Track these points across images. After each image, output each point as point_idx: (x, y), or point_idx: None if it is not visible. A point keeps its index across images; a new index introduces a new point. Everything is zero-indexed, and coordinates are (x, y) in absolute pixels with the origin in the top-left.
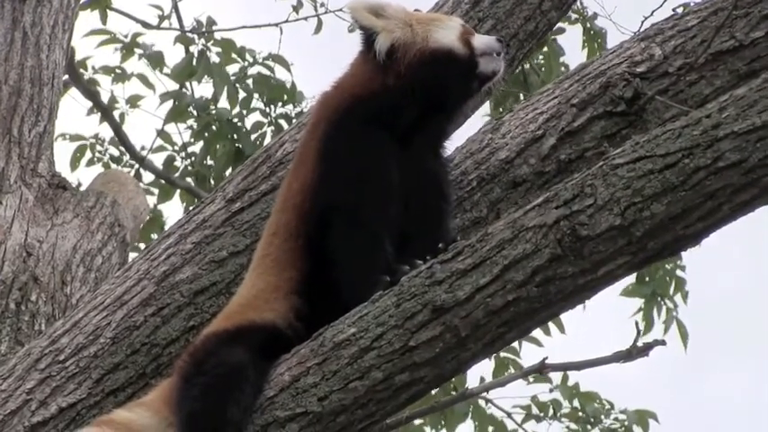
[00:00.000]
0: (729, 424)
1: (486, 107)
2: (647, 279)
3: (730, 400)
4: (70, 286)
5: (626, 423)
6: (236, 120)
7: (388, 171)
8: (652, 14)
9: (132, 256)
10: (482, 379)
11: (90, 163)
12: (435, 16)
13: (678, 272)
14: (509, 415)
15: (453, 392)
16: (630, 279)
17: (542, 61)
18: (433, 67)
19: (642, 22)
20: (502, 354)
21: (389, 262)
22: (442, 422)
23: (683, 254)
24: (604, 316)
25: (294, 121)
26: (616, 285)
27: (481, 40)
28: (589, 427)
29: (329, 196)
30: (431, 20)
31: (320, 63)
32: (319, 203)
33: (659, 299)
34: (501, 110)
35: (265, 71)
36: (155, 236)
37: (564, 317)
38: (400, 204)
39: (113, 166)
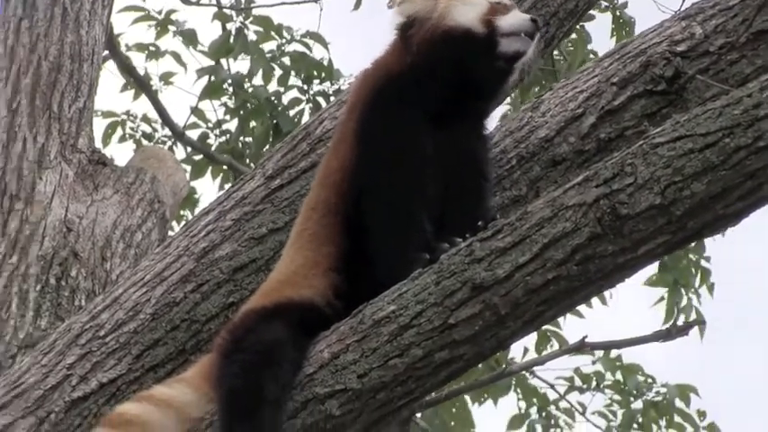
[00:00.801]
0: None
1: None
2: (670, 269)
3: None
4: (110, 262)
5: (667, 396)
6: (273, 98)
7: (423, 150)
8: None
9: (171, 232)
10: (525, 350)
11: (122, 139)
12: None
13: (703, 262)
14: (552, 386)
15: (495, 365)
16: (654, 268)
17: (570, 48)
18: (444, 46)
19: (683, 1)
20: (544, 326)
21: (429, 240)
22: (485, 395)
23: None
24: (628, 305)
25: (332, 98)
26: (639, 275)
27: (507, 20)
28: (632, 399)
29: (367, 176)
30: None
31: (358, 40)
32: (357, 182)
33: (681, 289)
34: (521, 101)
35: (302, 49)
36: (188, 212)
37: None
38: (439, 183)
39: (145, 142)
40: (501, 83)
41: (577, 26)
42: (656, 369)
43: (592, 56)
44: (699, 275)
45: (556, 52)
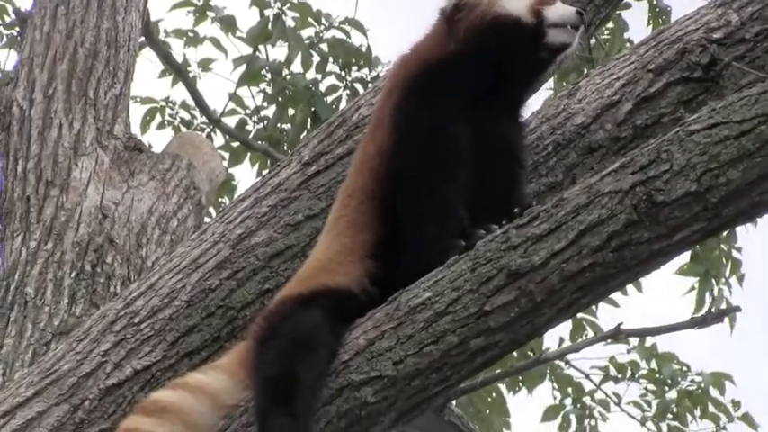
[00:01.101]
0: None
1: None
2: (701, 259)
3: None
4: (145, 248)
5: (702, 385)
6: (310, 86)
7: (460, 138)
8: None
9: (206, 219)
10: (561, 339)
11: (160, 126)
12: None
13: (734, 253)
14: (587, 376)
15: (531, 353)
16: (685, 258)
17: (608, 36)
18: (492, 34)
19: None
20: (579, 314)
21: (464, 227)
22: (520, 384)
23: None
24: (662, 294)
25: (370, 85)
26: (671, 264)
27: (555, 11)
28: (666, 388)
29: (403, 162)
30: None
31: (396, 27)
32: (394, 168)
33: (712, 279)
34: (564, 83)
35: (341, 35)
36: (225, 199)
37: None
38: (474, 170)
39: (183, 129)
40: (542, 72)
41: (614, 14)
42: (692, 357)
43: (628, 44)
44: (729, 266)
45: (593, 40)
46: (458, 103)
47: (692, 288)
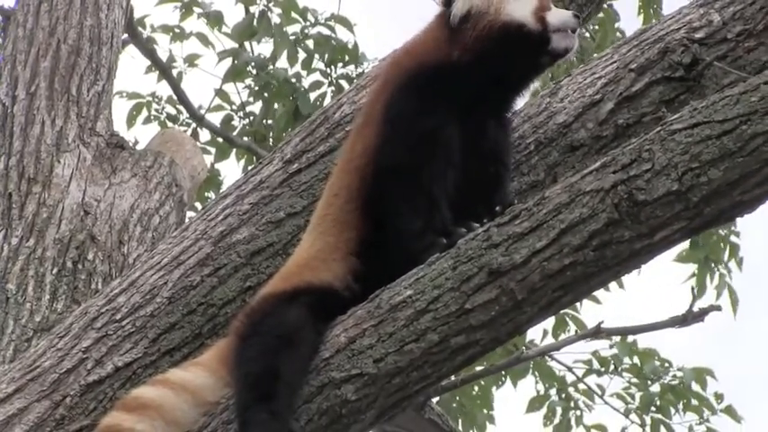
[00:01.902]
0: None
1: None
2: (700, 245)
3: None
4: (127, 245)
5: (684, 380)
6: (294, 80)
7: (448, 138)
8: None
9: (189, 215)
10: (544, 332)
11: (147, 121)
12: None
13: (732, 238)
14: (570, 369)
15: (513, 348)
16: (684, 245)
17: (598, 27)
18: (501, 42)
19: None
20: (562, 311)
21: (447, 225)
22: (504, 378)
23: (737, 219)
24: (658, 281)
25: (355, 81)
26: (670, 251)
27: (557, 16)
28: (649, 382)
29: (390, 159)
30: None
31: (381, 23)
32: (381, 165)
33: (712, 264)
34: (552, 77)
35: (326, 32)
36: (211, 195)
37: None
38: (460, 170)
39: (170, 124)
40: (539, 76)
41: (605, 5)
42: (685, 339)
43: (619, 34)
44: (728, 250)
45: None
46: (450, 106)
47: (693, 274)
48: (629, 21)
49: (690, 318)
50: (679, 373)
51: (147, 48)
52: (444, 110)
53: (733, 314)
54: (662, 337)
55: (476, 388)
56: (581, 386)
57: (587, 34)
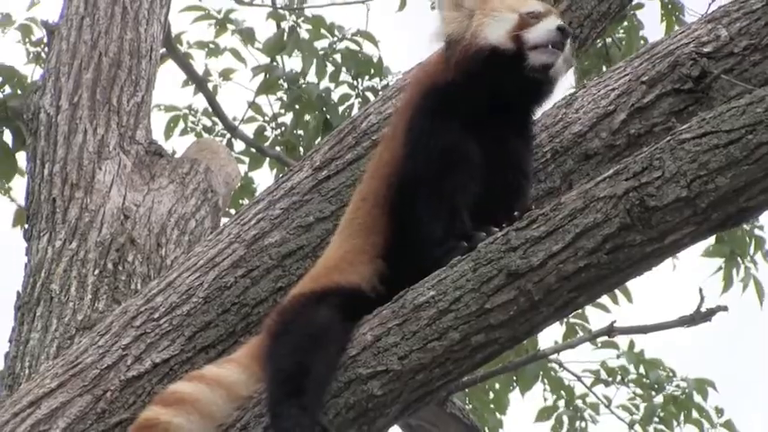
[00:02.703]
0: None
1: (570, 79)
2: (725, 239)
3: None
4: (165, 248)
5: (686, 390)
6: (323, 94)
7: (466, 152)
8: None
9: (224, 220)
10: (555, 342)
11: (183, 133)
12: (498, 5)
13: (757, 231)
14: (578, 378)
15: (526, 352)
16: (710, 240)
17: (623, 35)
18: (478, 65)
19: (710, 5)
20: (571, 319)
21: (467, 230)
22: (514, 384)
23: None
24: (686, 275)
25: (380, 93)
26: (697, 246)
27: (534, 33)
28: (653, 393)
29: (413, 171)
30: (491, 10)
31: (404, 38)
32: (404, 176)
33: (738, 258)
34: (586, 81)
35: (353, 46)
36: (245, 201)
37: (647, 277)
38: (480, 179)
39: (205, 135)
40: (537, 90)
41: (629, 14)
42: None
43: (643, 42)
44: (753, 244)
45: (609, 40)
46: (462, 123)
47: (720, 268)
48: (653, 28)
49: (698, 318)
50: (682, 384)
51: (184, 62)
52: (458, 126)
53: (759, 304)
54: (679, 334)
55: (491, 394)
56: (588, 398)
57: (609, 40)
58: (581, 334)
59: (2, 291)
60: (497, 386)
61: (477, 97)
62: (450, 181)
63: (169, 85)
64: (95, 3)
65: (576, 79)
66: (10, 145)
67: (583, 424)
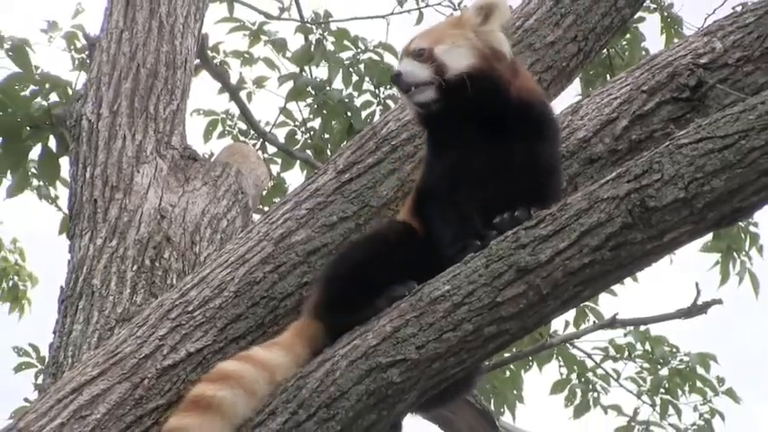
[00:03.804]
0: None
1: (577, 87)
2: (722, 236)
3: None
4: (198, 246)
5: (690, 364)
6: (346, 100)
7: (467, 164)
8: (714, 12)
9: (256, 217)
10: (567, 323)
11: (221, 135)
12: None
13: (752, 228)
14: (589, 356)
15: (539, 336)
16: (708, 237)
17: (626, 46)
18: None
19: (705, 19)
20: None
21: (479, 229)
22: (531, 362)
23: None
24: (687, 270)
25: (399, 101)
26: (695, 243)
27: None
28: (659, 366)
29: (426, 185)
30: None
31: None
32: (421, 189)
33: (734, 253)
34: (591, 89)
35: (375, 57)
36: (277, 200)
37: (648, 271)
38: (486, 186)
39: (241, 138)
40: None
41: (631, 27)
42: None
43: (644, 52)
44: (748, 240)
45: (612, 51)
46: (455, 140)
47: (717, 262)
48: (654, 39)
49: (694, 311)
50: (686, 358)
51: (217, 72)
52: (454, 143)
53: (755, 296)
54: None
55: (507, 372)
56: (599, 371)
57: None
58: (590, 315)
59: (48, 286)
60: (513, 367)
61: (451, 120)
62: (456, 194)
63: (208, 92)
64: (134, 17)
65: (583, 87)
66: (54, 150)
67: (595, 395)
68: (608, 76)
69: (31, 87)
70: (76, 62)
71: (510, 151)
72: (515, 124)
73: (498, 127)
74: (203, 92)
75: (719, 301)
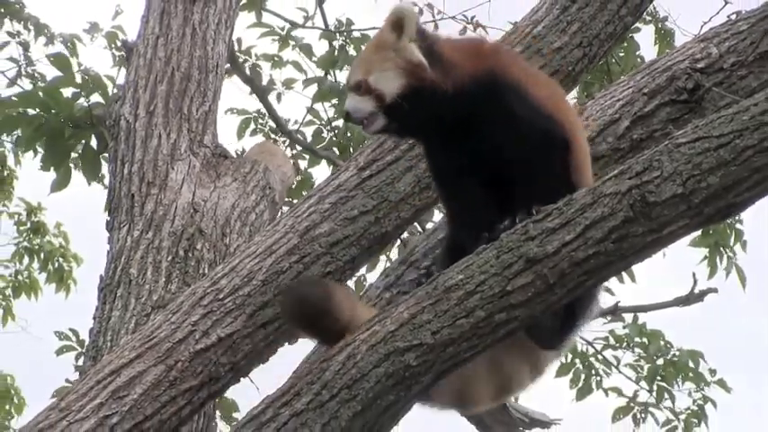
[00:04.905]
0: None
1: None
2: (710, 232)
3: None
4: (229, 237)
5: (681, 360)
6: None
7: (451, 178)
8: (710, 20)
9: (285, 209)
10: None
11: (253, 133)
12: None
13: (737, 225)
14: (590, 344)
15: None
16: (696, 233)
17: (622, 54)
18: None
19: (702, 27)
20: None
21: (488, 223)
22: None
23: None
24: (676, 264)
25: None
26: (685, 238)
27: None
28: (655, 357)
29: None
30: None
31: None
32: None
33: (721, 248)
34: (586, 95)
35: None
36: (305, 194)
37: (645, 264)
38: (482, 174)
39: (273, 136)
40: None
41: (627, 36)
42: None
43: (639, 60)
44: (733, 236)
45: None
46: (432, 148)
47: (705, 257)
48: (648, 49)
49: (692, 299)
50: (678, 353)
51: (246, 76)
52: (429, 151)
53: (742, 288)
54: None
55: None
56: (600, 358)
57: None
58: None
59: (88, 274)
60: None
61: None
62: (451, 190)
63: (240, 93)
64: (169, 24)
65: (580, 90)
66: (95, 148)
67: (597, 378)
68: (604, 82)
69: (72, 90)
70: (117, 59)
71: (490, 135)
72: (476, 110)
73: (465, 118)
74: (236, 93)
75: (715, 290)
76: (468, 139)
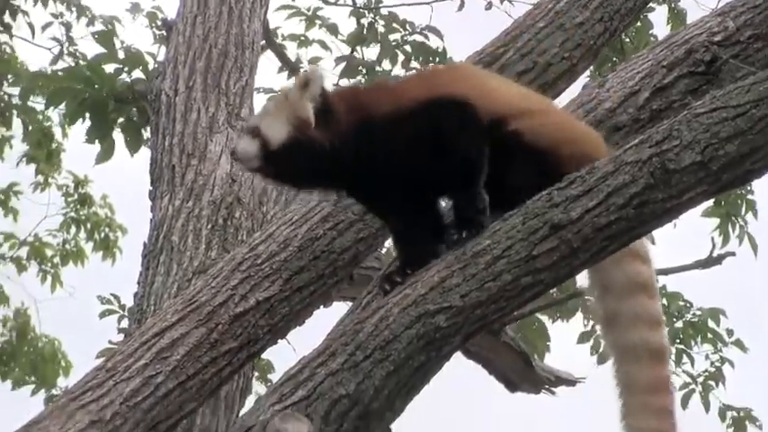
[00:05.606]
0: None
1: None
2: (722, 203)
3: None
4: (266, 206)
5: (702, 318)
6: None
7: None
8: None
9: None
10: None
11: None
12: None
13: (749, 195)
14: None
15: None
16: (709, 203)
17: (636, 33)
18: None
19: (719, 1)
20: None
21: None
22: (557, 316)
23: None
24: (689, 233)
25: None
26: (697, 208)
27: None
28: (674, 319)
29: None
30: None
31: (463, 34)
32: None
33: (733, 218)
34: (599, 73)
35: (421, 39)
36: None
37: (658, 233)
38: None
39: None
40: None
41: (641, 15)
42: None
43: (652, 38)
44: (744, 205)
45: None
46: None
47: (717, 226)
48: (661, 28)
49: (711, 262)
50: (698, 312)
51: (279, 52)
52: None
53: (754, 256)
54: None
55: (535, 324)
56: None
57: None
58: None
59: (132, 241)
60: (544, 318)
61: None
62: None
63: (268, 72)
64: (206, 3)
65: (596, 64)
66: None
67: None
68: (615, 59)
69: (115, 66)
70: (158, 37)
71: (397, 163)
72: (373, 150)
73: (365, 161)
74: (264, 71)
75: (733, 254)
76: (383, 172)
